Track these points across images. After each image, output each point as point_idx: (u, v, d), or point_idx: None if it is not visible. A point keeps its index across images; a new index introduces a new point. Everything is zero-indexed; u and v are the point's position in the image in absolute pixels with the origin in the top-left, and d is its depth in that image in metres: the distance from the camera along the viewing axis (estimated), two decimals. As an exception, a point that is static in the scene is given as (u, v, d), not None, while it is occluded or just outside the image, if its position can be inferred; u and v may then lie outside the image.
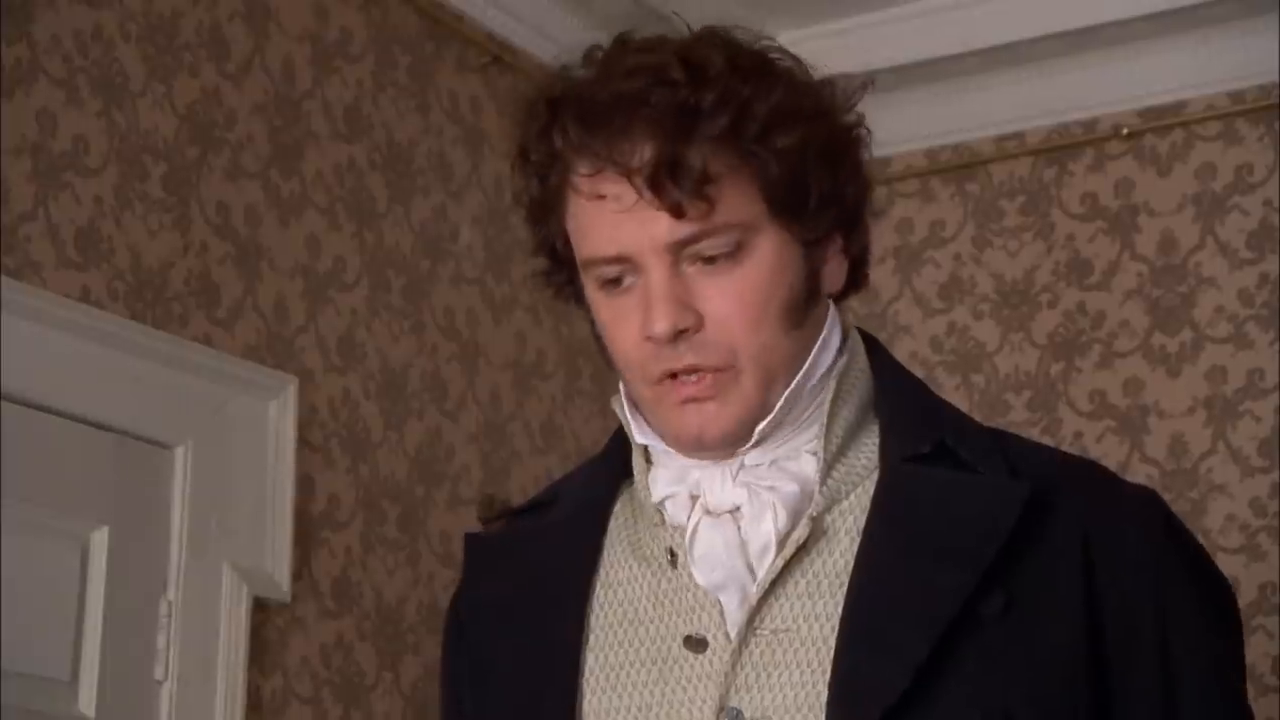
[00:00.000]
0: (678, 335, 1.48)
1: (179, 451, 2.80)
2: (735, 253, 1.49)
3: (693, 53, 1.50)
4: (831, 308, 1.57)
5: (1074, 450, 3.70)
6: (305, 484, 3.02)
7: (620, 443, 1.62)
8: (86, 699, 2.62)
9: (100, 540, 2.67)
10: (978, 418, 3.77)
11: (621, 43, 1.53)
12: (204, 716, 2.77)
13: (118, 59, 2.81)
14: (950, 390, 3.79)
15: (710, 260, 1.49)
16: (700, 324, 1.48)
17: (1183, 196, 3.74)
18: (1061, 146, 3.85)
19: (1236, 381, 3.63)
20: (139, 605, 2.71)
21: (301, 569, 3.00)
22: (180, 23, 2.93)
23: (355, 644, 3.08)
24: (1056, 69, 3.81)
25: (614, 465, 1.62)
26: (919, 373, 3.95)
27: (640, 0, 3.38)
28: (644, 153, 1.47)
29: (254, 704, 2.87)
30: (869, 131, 1.57)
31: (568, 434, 3.60)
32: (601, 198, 1.49)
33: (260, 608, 2.90)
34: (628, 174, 1.47)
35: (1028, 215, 3.88)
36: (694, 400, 1.49)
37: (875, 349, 1.61)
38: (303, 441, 3.02)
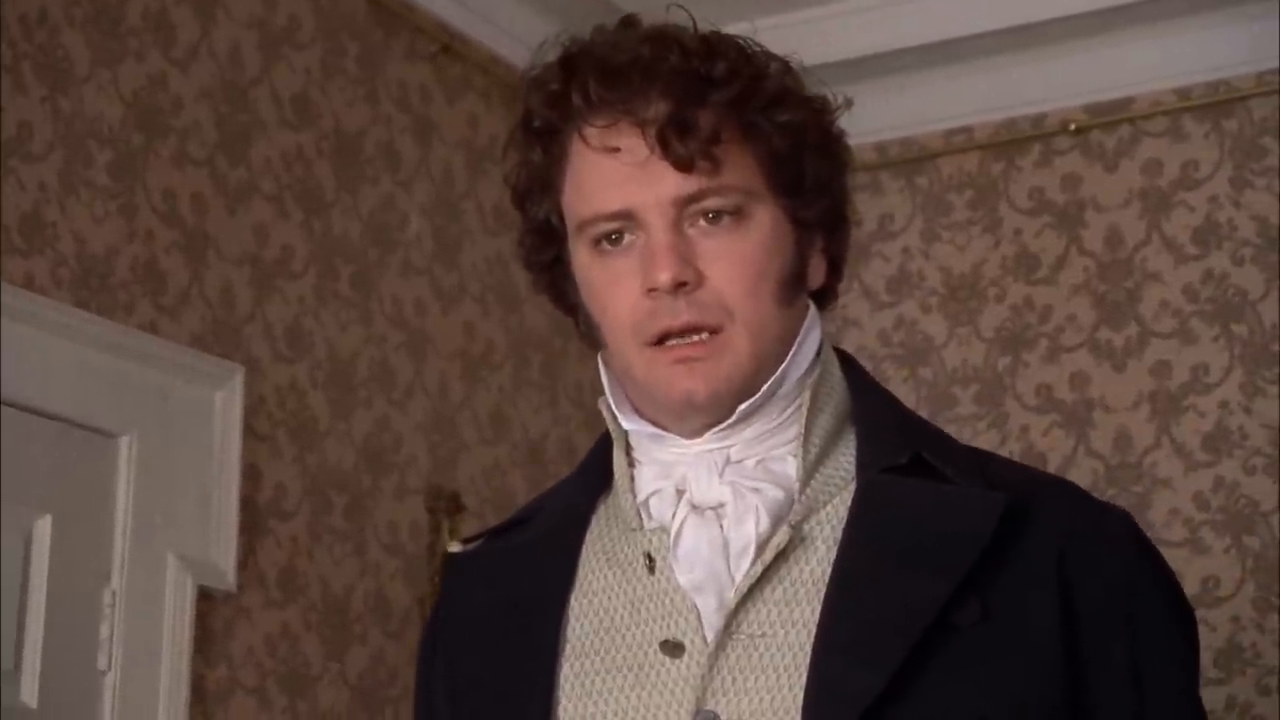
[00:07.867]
0: (678, 288, 1.52)
1: (124, 440, 2.79)
2: (736, 217, 1.54)
3: (703, 34, 1.58)
4: (812, 308, 1.60)
5: (1020, 443, 3.72)
6: (251, 473, 3.01)
7: (600, 453, 1.64)
8: (29, 689, 2.61)
9: (44, 529, 2.65)
10: (925, 411, 3.76)
11: (629, 23, 1.59)
12: (147, 707, 2.75)
13: (62, 44, 2.79)
14: (898, 383, 3.80)
15: (712, 221, 1.53)
16: (700, 282, 1.52)
17: (1129, 192, 3.76)
18: (1009, 141, 3.87)
19: (1181, 376, 3.65)
20: (82, 595, 2.70)
21: (247, 559, 2.98)
22: (126, 7, 2.91)
23: (301, 634, 3.07)
24: (1004, 64, 3.82)
25: (592, 477, 1.64)
26: (867, 366, 3.98)
27: (591, -9, 3.37)
28: (659, 108, 1.52)
29: (198, 694, 2.85)
30: (850, 150, 1.63)
31: (516, 424, 3.59)
32: (614, 150, 1.53)
33: (205, 597, 2.88)
34: (642, 125, 1.52)
35: (976, 209, 3.89)
36: (687, 360, 1.52)
37: (850, 363, 1.65)
38: (249, 431, 3.00)
